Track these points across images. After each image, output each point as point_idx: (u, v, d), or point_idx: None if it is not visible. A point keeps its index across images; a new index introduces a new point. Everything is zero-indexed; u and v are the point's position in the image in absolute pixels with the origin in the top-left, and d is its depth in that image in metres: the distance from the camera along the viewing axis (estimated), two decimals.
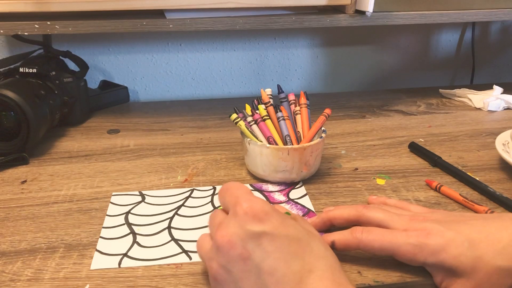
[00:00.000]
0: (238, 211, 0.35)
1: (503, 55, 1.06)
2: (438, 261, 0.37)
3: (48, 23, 0.65)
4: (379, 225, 0.42)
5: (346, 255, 0.43)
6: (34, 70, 0.68)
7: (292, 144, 0.56)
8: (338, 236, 0.42)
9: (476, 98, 0.84)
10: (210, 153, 0.65)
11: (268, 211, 0.35)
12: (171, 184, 0.57)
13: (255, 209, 0.35)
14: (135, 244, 0.46)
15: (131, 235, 0.47)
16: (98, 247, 0.45)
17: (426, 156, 0.63)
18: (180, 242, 0.46)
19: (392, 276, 0.41)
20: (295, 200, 0.53)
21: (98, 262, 0.43)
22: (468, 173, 0.57)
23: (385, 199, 0.49)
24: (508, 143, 0.61)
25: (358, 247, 0.41)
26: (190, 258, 0.44)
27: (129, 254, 0.44)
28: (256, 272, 0.33)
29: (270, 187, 0.56)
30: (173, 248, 0.45)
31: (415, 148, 0.65)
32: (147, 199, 0.53)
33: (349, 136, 0.71)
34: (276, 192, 0.55)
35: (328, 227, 0.47)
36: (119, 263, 0.43)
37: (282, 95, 0.59)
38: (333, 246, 0.42)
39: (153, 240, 0.46)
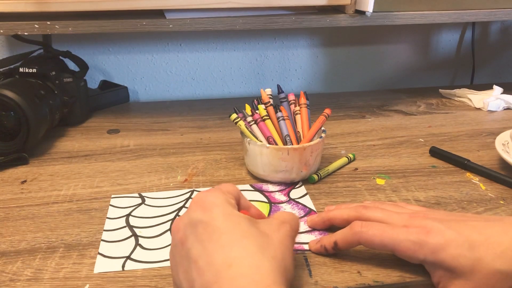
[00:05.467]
0: (192, 200, 0.37)
1: (503, 55, 1.06)
2: (437, 260, 0.37)
3: (48, 23, 0.65)
4: None
5: (346, 255, 0.43)
6: (34, 70, 0.68)
7: (292, 144, 0.56)
8: (339, 235, 0.42)
9: (476, 98, 0.84)
10: (210, 153, 0.65)
11: (215, 203, 0.36)
12: (171, 184, 0.57)
13: (203, 198, 0.36)
14: (138, 247, 0.45)
15: (133, 237, 0.47)
16: (100, 250, 0.45)
17: (452, 160, 0.62)
18: None
19: (392, 276, 0.41)
20: (296, 200, 0.53)
21: (102, 265, 0.43)
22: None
23: (382, 202, 0.49)
24: (508, 143, 0.61)
25: (359, 242, 0.41)
26: None
27: (132, 256, 0.44)
28: (187, 258, 0.34)
29: (270, 187, 0.56)
30: None
31: (436, 153, 0.63)
32: (147, 201, 0.53)
33: (349, 136, 0.71)
34: (277, 192, 0.55)
35: (328, 227, 0.47)
36: (123, 266, 0.43)
37: (282, 95, 0.59)
38: (336, 246, 0.42)
39: (156, 242, 0.46)
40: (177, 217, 0.50)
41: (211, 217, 0.35)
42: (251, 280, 0.31)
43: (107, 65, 0.90)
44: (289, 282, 0.34)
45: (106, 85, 0.88)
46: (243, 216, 0.36)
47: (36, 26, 0.65)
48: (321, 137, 0.56)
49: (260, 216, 0.42)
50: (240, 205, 0.40)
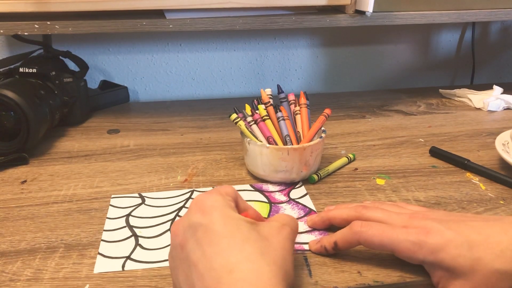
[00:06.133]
0: (191, 203, 0.37)
1: (503, 55, 1.06)
2: (436, 260, 0.37)
3: (48, 23, 0.65)
4: None
5: (346, 255, 0.43)
6: (34, 70, 0.68)
7: (292, 144, 0.56)
8: (339, 235, 0.42)
9: (476, 98, 0.84)
10: (210, 153, 0.65)
11: (215, 206, 0.36)
12: (171, 184, 0.57)
13: (203, 201, 0.36)
14: (138, 247, 0.45)
15: (133, 237, 0.47)
16: (100, 251, 0.45)
17: (452, 160, 0.61)
18: None
19: (392, 276, 0.41)
20: (296, 200, 0.53)
21: (102, 265, 0.43)
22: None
23: (382, 202, 0.49)
24: (508, 143, 0.61)
25: (359, 242, 0.41)
26: None
27: (132, 256, 0.44)
28: (187, 261, 0.34)
29: (270, 187, 0.56)
30: None
31: (437, 153, 0.63)
32: (147, 201, 0.53)
33: (349, 136, 0.71)
34: (277, 192, 0.55)
35: (327, 226, 0.47)
36: (123, 266, 0.43)
37: (282, 95, 0.59)
38: (336, 246, 0.42)
39: (156, 242, 0.46)
40: (177, 217, 0.50)
41: (210, 220, 0.35)
42: (252, 285, 0.31)
43: (107, 65, 0.90)
44: (290, 286, 0.34)
45: (106, 85, 0.88)
46: (243, 219, 0.36)
47: (36, 26, 0.65)
48: (321, 137, 0.56)
49: (258, 217, 0.42)
50: (238, 206, 0.40)
